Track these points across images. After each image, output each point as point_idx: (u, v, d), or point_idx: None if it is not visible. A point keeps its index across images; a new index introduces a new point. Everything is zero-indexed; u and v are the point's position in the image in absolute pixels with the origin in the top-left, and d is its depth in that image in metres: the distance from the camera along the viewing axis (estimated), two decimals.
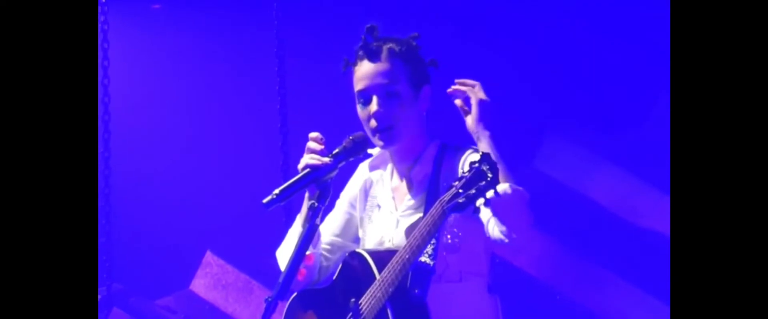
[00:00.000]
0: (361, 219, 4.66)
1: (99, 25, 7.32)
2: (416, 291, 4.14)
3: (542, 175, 7.84)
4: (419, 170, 4.51)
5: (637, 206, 7.56)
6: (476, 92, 4.40)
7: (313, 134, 4.42)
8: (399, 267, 4.21)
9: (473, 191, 4.05)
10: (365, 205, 4.65)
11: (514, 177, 4.21)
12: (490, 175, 4.04)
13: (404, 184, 4.56)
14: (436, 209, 4.15)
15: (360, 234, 4.66)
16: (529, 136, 7.92)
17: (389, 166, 4.61)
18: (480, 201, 4.04)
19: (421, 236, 4.18)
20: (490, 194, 4.03)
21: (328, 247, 4.63)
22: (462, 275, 4.39)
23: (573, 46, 7.71)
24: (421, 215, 4.38)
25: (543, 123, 7.91)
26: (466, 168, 4.14)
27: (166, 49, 8.31)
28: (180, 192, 8.23)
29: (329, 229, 4.67)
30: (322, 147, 4.40)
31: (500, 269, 4.54)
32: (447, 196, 4.12)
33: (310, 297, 4.52)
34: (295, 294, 4.53)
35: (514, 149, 7.77)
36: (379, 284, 4.25)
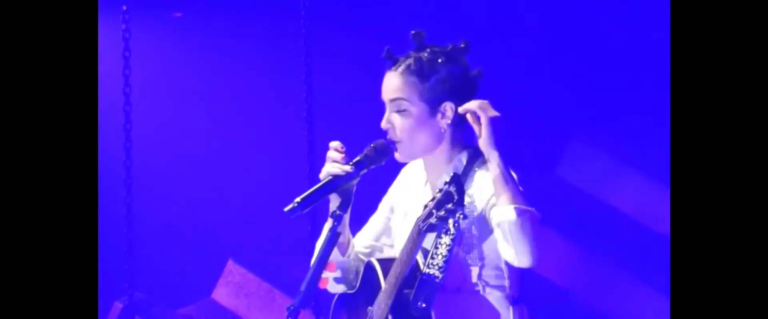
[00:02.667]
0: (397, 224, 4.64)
1: (121, 34, 7.35)
2: (420, 304, 4.15)
3: (564, 182, 7.81)
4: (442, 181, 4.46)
5: (664, 213, 7.51)
6: (487, 110, 4.29)
7: (334, 143, 4.40)
8: (393, 280, 4.23)
9: (442, 212, 4.11)
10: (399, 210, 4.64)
11: (527, 195, 4.17)
12: (455, 197, 4.10)
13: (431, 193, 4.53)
14: (415, 226, 4.21)
15: None
16: (551, 143, 7.89)
17: (424, 174, 4.57)
18: (449, 222, 4.09)
19: (406, 251, 4.23)
20: (458, 215, 4.09)
21: (367, 250, 4.58)
22: (480, 286, 4.35)
23: (597, 51, 7.68)
24: None
25: (566, 130, 7.88)
26: (477, 185, 4.22)
27: (188, 57, 8.32)
28: (203, 201, 8.23)
29: (369, 233, 4.64)
30: (343, 155, 4.38)
31: (529, 280, 4.49)
32: (422, 215, 4.18)
33: (346, 300, 4.52)
34: (337, 296, 4.54)
35: (536, 157, 7.74)
36: (383, 294, 4.27)
